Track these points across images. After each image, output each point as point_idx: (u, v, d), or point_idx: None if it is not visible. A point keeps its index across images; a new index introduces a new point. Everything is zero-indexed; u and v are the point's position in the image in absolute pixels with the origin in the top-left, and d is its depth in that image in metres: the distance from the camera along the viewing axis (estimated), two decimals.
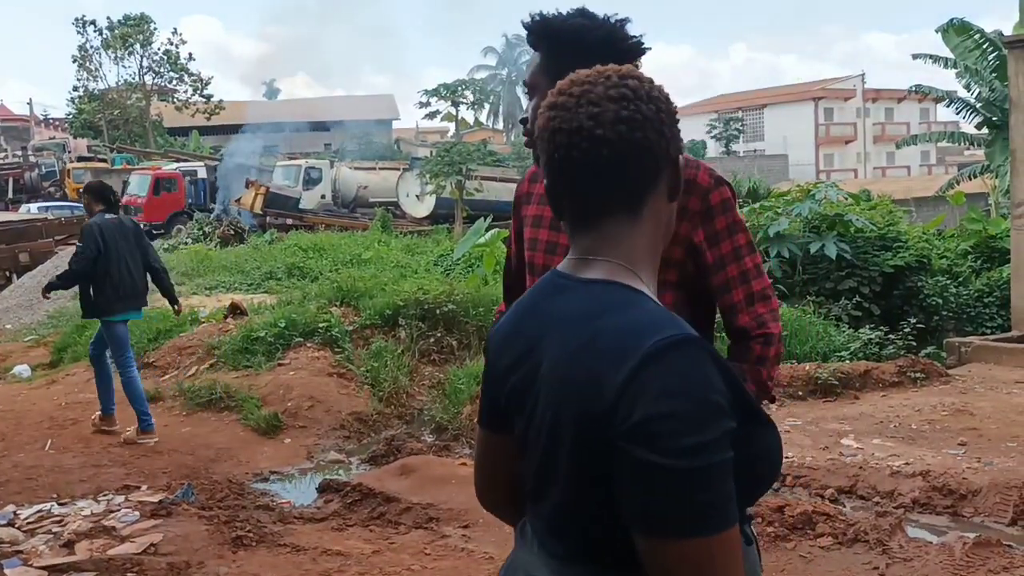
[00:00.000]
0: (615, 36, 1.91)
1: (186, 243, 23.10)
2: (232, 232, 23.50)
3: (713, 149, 54.23)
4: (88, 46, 47.49)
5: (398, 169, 28.73)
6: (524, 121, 2.02)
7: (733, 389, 1.14)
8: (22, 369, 10.02)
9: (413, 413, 7.53)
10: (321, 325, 8.32)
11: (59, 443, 6.86)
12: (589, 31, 1.89)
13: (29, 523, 5.27)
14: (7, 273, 16.55)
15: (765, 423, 1.21)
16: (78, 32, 47.32)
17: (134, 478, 6.03)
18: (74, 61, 47.87)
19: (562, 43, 1.91)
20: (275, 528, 5.02)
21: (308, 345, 8.11)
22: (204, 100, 48.83)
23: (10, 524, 5.23)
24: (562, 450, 1.19)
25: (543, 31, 1.95)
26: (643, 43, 1.94)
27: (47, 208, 30.23)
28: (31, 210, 29.88)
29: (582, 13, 1.93)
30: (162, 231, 28.31)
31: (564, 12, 1.94)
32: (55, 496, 5.71)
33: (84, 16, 47.88)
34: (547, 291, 1.30)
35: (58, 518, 5.28)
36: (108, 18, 47.72)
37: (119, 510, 5.32)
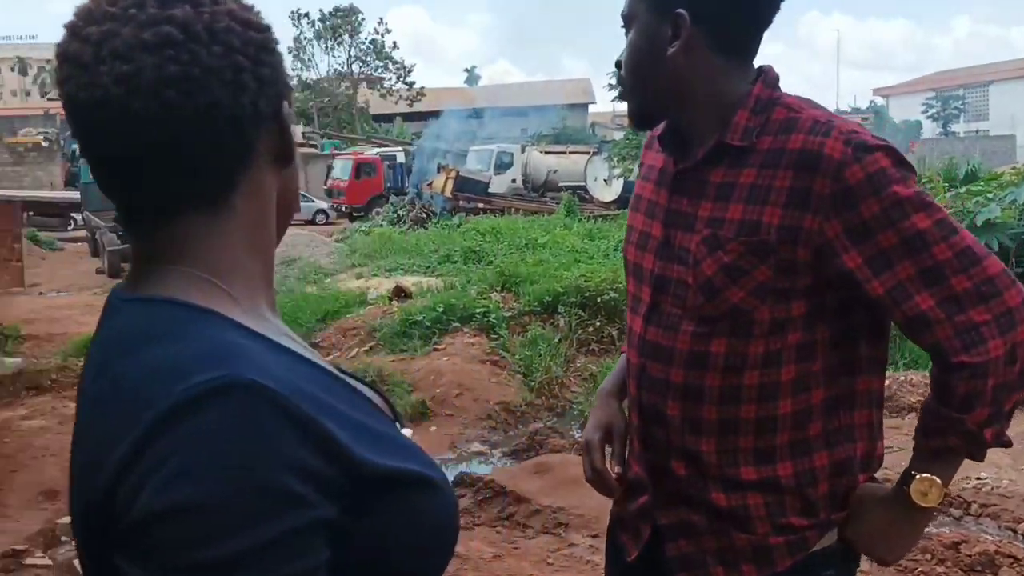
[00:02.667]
0: None
1: (381, 225, 23.80)
2: (424, 215, 24.04)
3: (929, 130, 50.49)
4: (302, 37, 50.26)
5: (587, 153, 28.53)
6: (619, 65, 1.60)
7: (333, 453, 0.75)
8: None
9: (564, 405, 7.23)
10: (479, 311, 8.16)
11: None
12: None
13: None
14: None
15: (419, 481, 0.83)
16: (293, 25, 50.18)
17: None
18: (289, 52, 50.77)
19: None
20: None
21: (464, 331, 7.98)
22: (407, 87, 50.50)
23: None
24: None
25: None
26: None
27: None
28: None
29: None
30: (362, 214, 29.47)
31: None
32: None
33: (299, 9, 50.50)
34: (104, 316, 0.88)
35: None
36: (320, 10, 50.10)
37: None
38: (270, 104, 0.86)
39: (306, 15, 49.89)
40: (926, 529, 4.31)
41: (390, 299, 9.56)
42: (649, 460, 1.61)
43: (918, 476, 1.45)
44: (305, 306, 9.80)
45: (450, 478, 5.53)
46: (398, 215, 24.96)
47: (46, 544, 4.66)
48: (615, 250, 14.75)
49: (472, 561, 4.37)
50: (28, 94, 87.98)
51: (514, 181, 28.52)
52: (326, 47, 50.14)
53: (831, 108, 1.57)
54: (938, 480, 1.45)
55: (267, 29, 0.87)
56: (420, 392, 7.09)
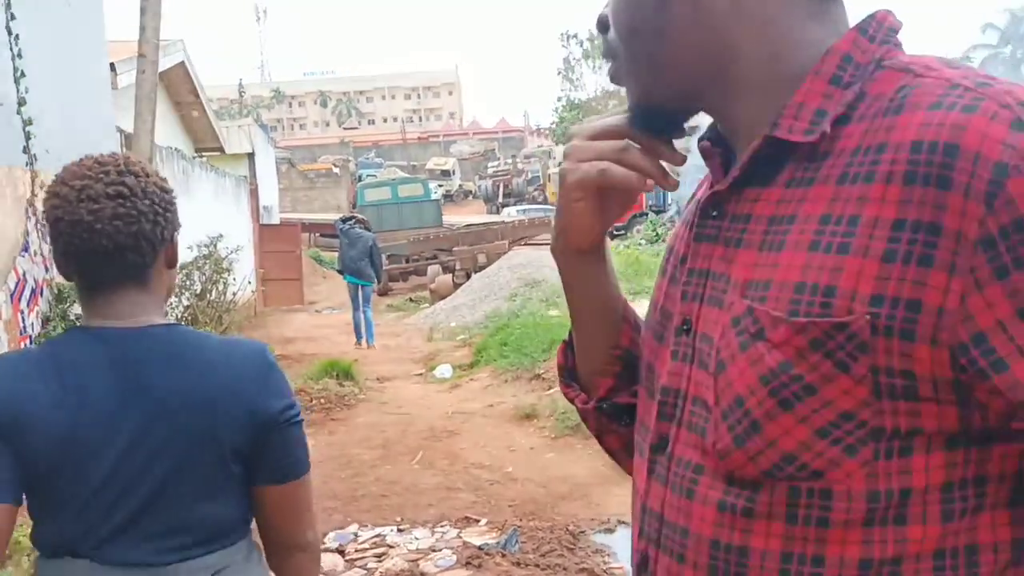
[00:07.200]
0: None
1: (640, 244, 23.19)
2: None
3: None
4: (571, 58, 50.98)
5: None
6: (603, 24, 0.95)
7: None
8: (444, 370, 10.24)
9: None
10: None
11: (428, 456, 6.69)
12: None
13: (359, 549, 5.02)
14: (467, 273, 17.75)
15: None
16: (563, 46, 51.11)
17: (479, 508, 5.56)
18: (559, 73, 51.74)
19: None
20: None
21: None
22: None
23: (340, 550, 5.02)
24: (192, 464, 1.45)
25: None
26: None
27: (524, 211, 32.60)
28: (511, 213, 32.43)
29: None
30: (622, 232, 28.99)
31: None
32: (399, 520, 5.44)
33: (568, 31, 51.40)
34: (95, 345, 1.44)
35: (384, 550, 4.95)
36: (590, 30, 50.58)
37: (441, 550, 4.85)
38: (169, 233, 1.51)
39: (575, 36, 50.58)
40: None
41: None
42: None
43: None
44: (534, 335, 9.33)
45: None
46: (656, 234, 24.20)
47: None
48: None
49: None
50: (328, 124, 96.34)
51: None
52: (594, 66, 50.50)
53: None
54: None
55: (172, 192, 1.53)
56: None
